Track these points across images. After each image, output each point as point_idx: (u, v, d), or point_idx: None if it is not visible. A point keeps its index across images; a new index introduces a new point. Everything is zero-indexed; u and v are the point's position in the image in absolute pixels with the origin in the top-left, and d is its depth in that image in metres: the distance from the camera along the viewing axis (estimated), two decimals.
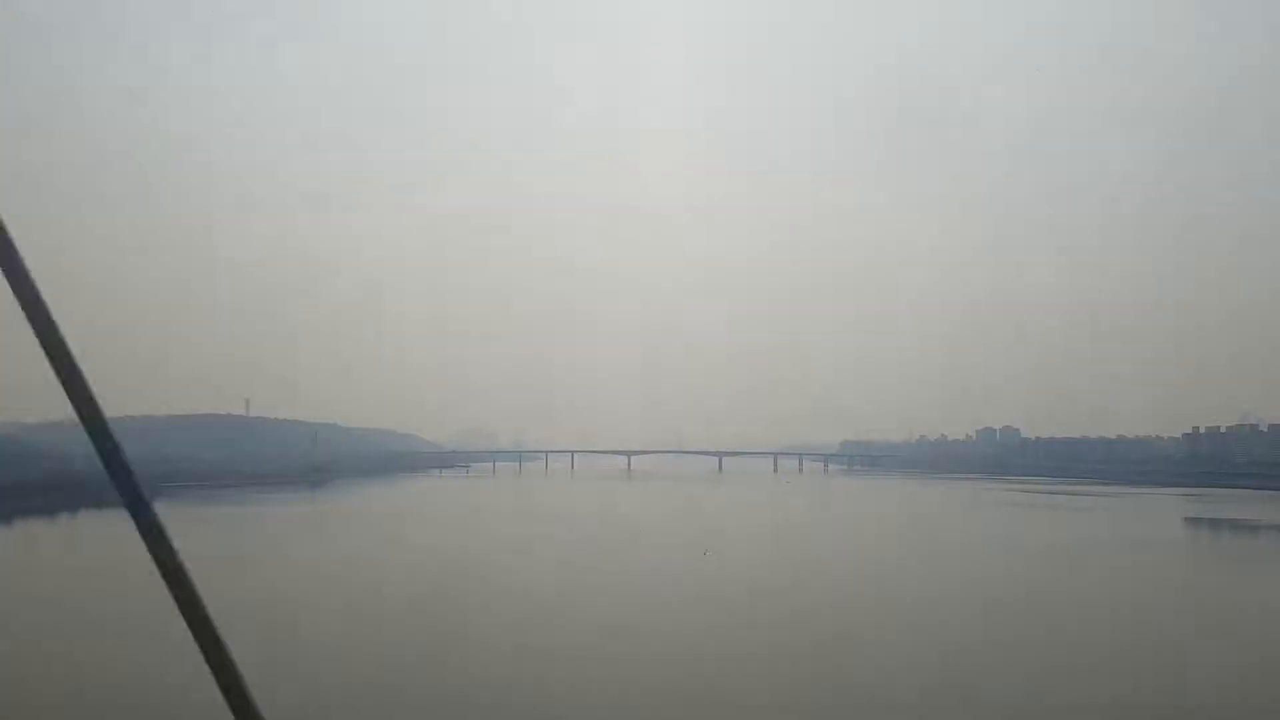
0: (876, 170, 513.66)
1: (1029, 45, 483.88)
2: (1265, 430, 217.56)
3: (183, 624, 2.20)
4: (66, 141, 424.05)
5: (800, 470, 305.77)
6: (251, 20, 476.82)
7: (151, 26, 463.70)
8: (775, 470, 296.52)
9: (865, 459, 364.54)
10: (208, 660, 2.17)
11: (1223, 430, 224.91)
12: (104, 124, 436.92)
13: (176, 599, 2.21)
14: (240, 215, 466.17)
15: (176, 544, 2.02)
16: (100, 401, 2.00)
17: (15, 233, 1.80)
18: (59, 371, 2.25)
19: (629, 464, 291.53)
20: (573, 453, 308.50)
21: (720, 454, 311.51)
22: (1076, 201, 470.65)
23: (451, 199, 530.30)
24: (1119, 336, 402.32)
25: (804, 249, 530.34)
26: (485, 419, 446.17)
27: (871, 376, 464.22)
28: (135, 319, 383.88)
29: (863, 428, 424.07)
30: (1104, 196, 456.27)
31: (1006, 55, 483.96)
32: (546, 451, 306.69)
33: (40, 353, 2.23)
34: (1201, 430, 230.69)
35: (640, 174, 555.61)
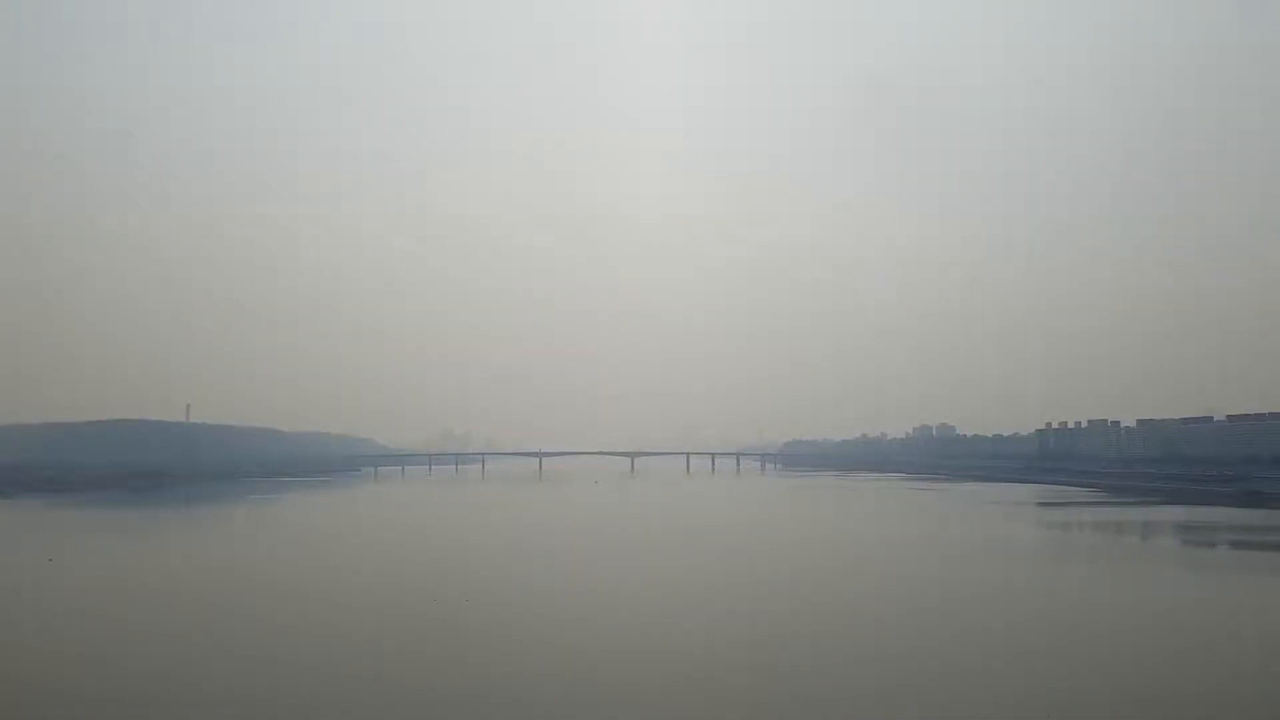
0: (845, 174, 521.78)
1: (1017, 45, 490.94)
2: (1134, 426, 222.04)
3: None
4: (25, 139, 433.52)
5: (713, 470, 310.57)
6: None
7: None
8: (688, 470, 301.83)
9: (786, 457, 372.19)
10: None
11: (1070, 426, 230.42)
12: (63, 123, 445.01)
13: None
14: (227, 217, 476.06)
15: None
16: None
17: None
18: None
19: (540, 466, 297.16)
20: (483, 455, 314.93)
21: (632, 455, 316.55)
22: (1021, 208, 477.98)
23: (433, 202, 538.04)
24: (1058, 335, 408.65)
25: (765, 253, 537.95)
26: (457, 422, 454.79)
27: (824, 378, 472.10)
28: (90, 322, 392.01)
29: (809, 427, 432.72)
30: (1054, 199, 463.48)
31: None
32: (456, 454, 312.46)
33: None
34: (1053, 426, 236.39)
35: (622, 177, 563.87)
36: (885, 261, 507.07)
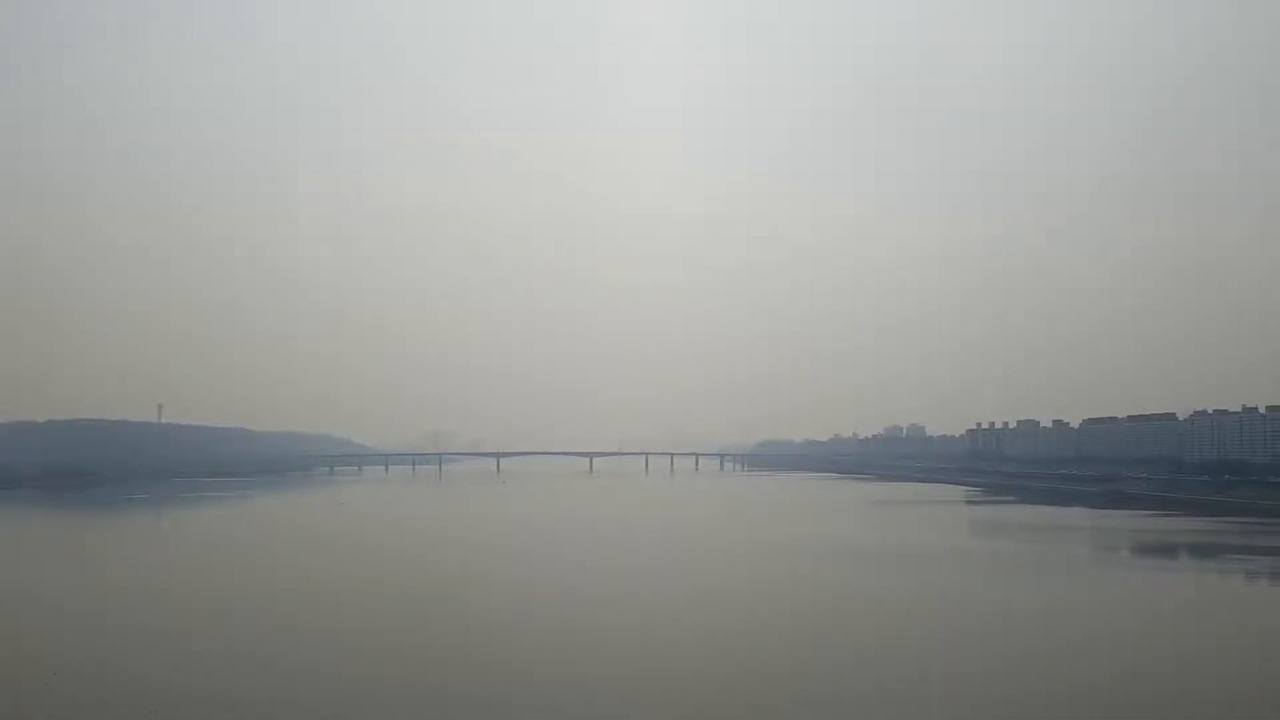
0: (844, 174, 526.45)
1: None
2: (1077, 426, 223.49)
3: None
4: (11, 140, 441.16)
5: (671, 470, 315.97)
6: None
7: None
8: (646, 471, 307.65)
9: (750, 458, 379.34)
10: None
11: (998, 427, 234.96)
12: (54, 122, 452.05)
13: None
14: (216, 218, 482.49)
15: None
16: None
17: None
18: None
19: (498, 466, 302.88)
20: (440, 456, 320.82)
21: (590, 455, 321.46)
22: (996, 209, 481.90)
23: (426, 202, 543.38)
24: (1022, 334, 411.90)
25: (764, 254, 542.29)
26: (444, 422, 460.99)
27: (816, 379, 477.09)
28: (77, 322, 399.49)
29: (796, 428, 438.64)
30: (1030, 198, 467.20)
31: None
32: (414, 455, 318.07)
33: None
34: (984, 426, 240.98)
35: (621, 178, 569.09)
36: (882, 262, 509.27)
